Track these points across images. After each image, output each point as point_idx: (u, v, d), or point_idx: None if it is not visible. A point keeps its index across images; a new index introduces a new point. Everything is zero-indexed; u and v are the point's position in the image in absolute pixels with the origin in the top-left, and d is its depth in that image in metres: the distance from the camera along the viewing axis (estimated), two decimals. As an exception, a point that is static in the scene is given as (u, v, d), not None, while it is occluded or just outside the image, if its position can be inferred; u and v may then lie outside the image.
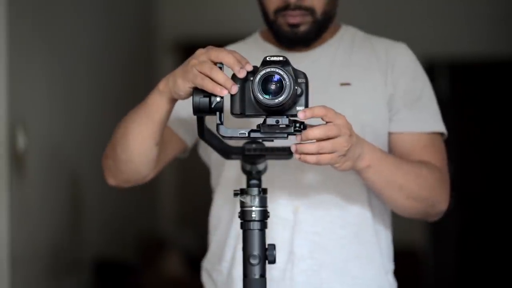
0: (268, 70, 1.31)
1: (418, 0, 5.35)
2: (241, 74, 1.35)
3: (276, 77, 1.31)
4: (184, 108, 1.67)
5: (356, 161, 1.46)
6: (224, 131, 1.36)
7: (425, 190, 1.62)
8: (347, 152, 1.40)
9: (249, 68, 1.35)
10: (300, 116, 1.32)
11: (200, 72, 1.36)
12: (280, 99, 1.30)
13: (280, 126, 1.33)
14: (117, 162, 1.64)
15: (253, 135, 1.36)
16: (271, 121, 1.32)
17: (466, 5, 5.28)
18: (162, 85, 1.48)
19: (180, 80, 1.41)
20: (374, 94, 1.71)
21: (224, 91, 1.34)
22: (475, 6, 5.28)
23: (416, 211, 1.65)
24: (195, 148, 1.84)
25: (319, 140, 1.35)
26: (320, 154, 1.36)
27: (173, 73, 1.45)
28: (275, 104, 1.30)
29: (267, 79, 1.31)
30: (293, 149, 1.36)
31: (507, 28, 5.26)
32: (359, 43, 1.76)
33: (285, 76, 1.30)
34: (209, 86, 1.35)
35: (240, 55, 1.37)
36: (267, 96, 1.30)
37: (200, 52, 1.40)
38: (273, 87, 1.31)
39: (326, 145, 1.35)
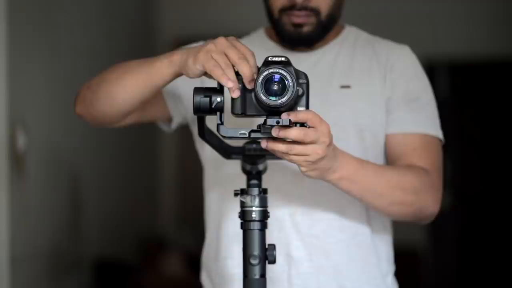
0: (271, 70, 1.30)
1: (418, 0, 5.35)
2: (250, 85, 1.33)
3: (279, 77, 1.30)
4: (185, 85, 1.65)
5: (325, 172, 1.43)
6: (225, 131, 1.36)
7: (409, 196, 1.58)
8: (318, 160, 1.36)
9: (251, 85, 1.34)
10: (283, 118, 1.30)
11: (213, 59, 1.36)
12: (283, 99, 1.29)
13: (281, 126, 1.32)
14: (95, 98, 1.62)
15: (253, 135, 1.35)
16: (271, 121, 1.31)
17: (466, 5, 5.28)
18: (176, 57, 1.46)
19: (191, 60, 1.40)
20: (373, 97, 1.69)
21: (230, 83, 1.33)
22: (475, 6, 5.28)
23: (403, 215, 1.62)
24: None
25: (295, 140, 1.33)
26: (289, 154, 1.34)
27: (190, 50, 1.43)
28: (277, 105, 1.29)
29: (269, 79, 1.30)
30: (263, 145, 1.34)
31: (507, 28, 5.26)
32: (361, 45, 1.75)
33: (287, 76, 1.30)
34: (218, 72, 1.34)
35: (253, 65, 1.35)
36: (270, 97, 1.30)
37: (221, 42, 1.38)
38: (275, 87, 1.30)
39: (297, 148, 1.33)
